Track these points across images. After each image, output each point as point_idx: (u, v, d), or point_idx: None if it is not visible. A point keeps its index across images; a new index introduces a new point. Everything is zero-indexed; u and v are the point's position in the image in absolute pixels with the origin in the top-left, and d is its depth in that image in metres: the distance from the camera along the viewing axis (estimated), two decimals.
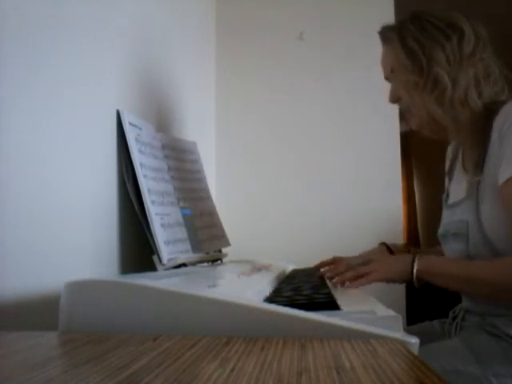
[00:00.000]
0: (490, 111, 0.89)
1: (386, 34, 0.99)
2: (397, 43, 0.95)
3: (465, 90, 0.89)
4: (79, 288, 0.51)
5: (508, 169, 0.81)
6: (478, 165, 0.90)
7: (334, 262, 1.07)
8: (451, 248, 0.96)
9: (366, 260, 0.95)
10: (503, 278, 0.80)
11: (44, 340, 0.45)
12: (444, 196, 1.07)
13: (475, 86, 0.90)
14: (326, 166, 1.83)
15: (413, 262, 0.87)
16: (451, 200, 1.02)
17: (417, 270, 0.86)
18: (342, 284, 0.86)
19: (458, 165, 1.03)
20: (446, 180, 1.09)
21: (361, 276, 0.87)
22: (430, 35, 0.92)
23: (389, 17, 1.68)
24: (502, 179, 0.82)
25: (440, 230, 1.02)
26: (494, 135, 0.86)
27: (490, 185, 0.86)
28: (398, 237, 1.74)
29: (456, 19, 0.92)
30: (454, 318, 1.00)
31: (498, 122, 0.86)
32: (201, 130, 1.66)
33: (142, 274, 0.74)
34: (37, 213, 0.66)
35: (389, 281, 0.92)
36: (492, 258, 0.85)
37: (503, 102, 0.89)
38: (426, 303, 1.89)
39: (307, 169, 1.83)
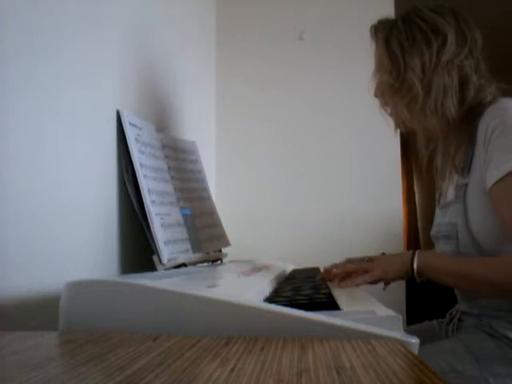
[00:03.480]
0: (474, 113, 0.89)
1: (376, 29, 1.00)
2: (382, 43, 0.96)
3: (436, 99, 0.90)
4: (79, 288, 0.51)
5: (496, 171, 0.81)
6: (465, 167, 0.90)
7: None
8: (443, 250, 0.96)
9: (367, 258, 0.96)
10: (502, 277, 0.80)
11: (44, 340, 0.45)
12: (437, 195, 1.07)
13: (451, 95, 0.89)
14: (326, 166, 1.83)
15: (412, 257, 0.89)
16: (443, 200, 1.02)
17: (417, 265, 0.88)
18: (342, 279, 0.88)
19: (448, 165, 1.03)
20: (438, 179, 1.08)
21: (361, 272, 0.89)
22: (414, 40, 0.92)
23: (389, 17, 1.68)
24: (490, 182, 0.82)
25: (432, 231, 1.03)
26: (480, 137, 0.86)
27: (477, 187, 0.86)
28: (398, 237, 1.74)
29: (442, 24, 0.91)
30: (451, 320, 1.01)
31: (483, 124, 0.85)
32: (201, 129, 1.66)
33: (142, 274, 0.74)
34: (37, 213, 0.66)
35: (389, 280, 0.93)
36: (492, 257, 0.85)
37: (489, 103, 0.88)
38: (425, 303, 1.89)
39: (307, 168, 1.84)
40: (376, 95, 1.03)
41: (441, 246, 0.97)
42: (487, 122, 0.84)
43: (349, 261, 1.04)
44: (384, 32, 0.97)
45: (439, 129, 0.93)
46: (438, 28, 0.91)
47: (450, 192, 0.97)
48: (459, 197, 0.91)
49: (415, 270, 0.88)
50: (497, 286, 0.81)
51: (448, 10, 0.94)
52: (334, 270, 0.91)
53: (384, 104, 1.02)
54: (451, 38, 0.90)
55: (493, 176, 0.82)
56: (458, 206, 0.91)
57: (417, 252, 0.90)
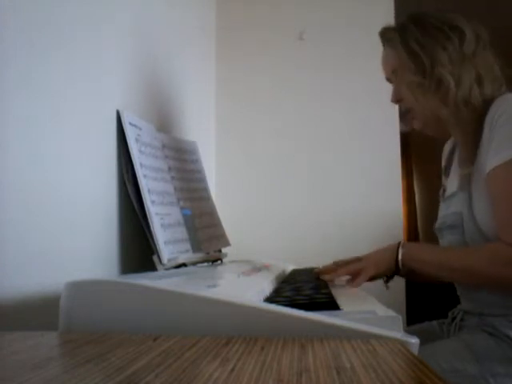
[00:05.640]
0: (485, 106, 0.91)
1: (387, 35, 1.00)
2: (399, 45, 0.96)
3: (468, 90, 0.90)
4: (79, 288, 0.51)
5: (494, 158, 0.83)
6: (471, 158, 0.92)
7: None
8: (448, 240, 0.97)
9: (354, 258, 0.97)
10: (480, 264, 0.82)
11: (44, 340, 0.45)
12: (441, 191, 1.08)
13: (478, 85, 0.91)
14: (326, 166, 1.83)
15: (397, 249, 0.90)
16: (447, 193, 1.03)
17: (401, 256, 0.89)
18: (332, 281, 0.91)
19: (455, 160, 1.04)
20: (443, 176, 1.10)
21: (352, 274, 0.91)
22: (431, 36, 0.92)
23: (389, 17, 1.68)
24: (488, 169, 0.84)
25: (436, 224, 1.04)
26: (486, 128, 0.88)
27: (481, 176, 0.88)
28: (398, 237, 1.74)
29: (456, 21, 0.93)
30: (453, 319, 1.01)
31: (490, 116, 0.88)
32: (201, 129, 1.66)
33: (142, 274, 0.74)
34: (37, 213, 0.66)
35: (381, 275, 0.94)
36: (473, 246, 0.87)
37: (499, 96, 0.90)
38: (425, 303, 1.89)
39: (307, 168, 1.83)
40: (396, 100, 1.01)
41: (446, 237, 0.98)
42: (494, 111, 0.87)
43: (335, 264, 1.04)
44: (397, 35, 0.97)
45: (469, 118, 0.93)
46: (453, 23, 0.93)
47: (454, 183, 0.98)
48: (464, 186, 0.92)
49: (400, 262, 0.89)
50: (476, 274, 0.83)
51: (452, 12, 0.96)
52: (327, 277, 0.91)
53: (409, 104, 0.99)
54: (468, 31, 0.92)
55: (491, 163, 0.83)
56: (462, 195, 0.92)
57: (401, 243, 0.91)
